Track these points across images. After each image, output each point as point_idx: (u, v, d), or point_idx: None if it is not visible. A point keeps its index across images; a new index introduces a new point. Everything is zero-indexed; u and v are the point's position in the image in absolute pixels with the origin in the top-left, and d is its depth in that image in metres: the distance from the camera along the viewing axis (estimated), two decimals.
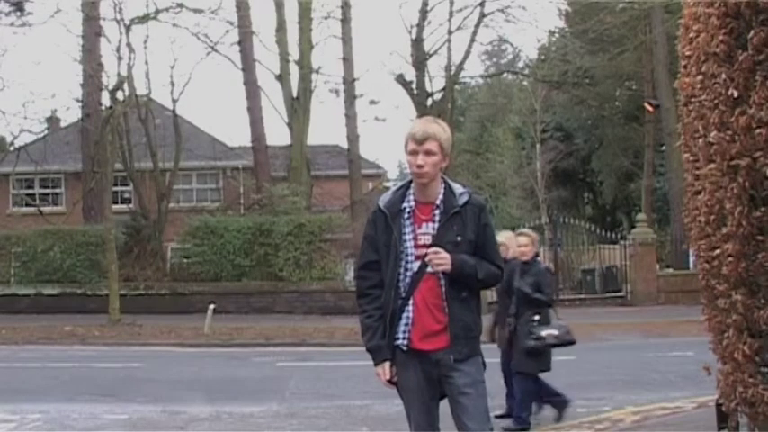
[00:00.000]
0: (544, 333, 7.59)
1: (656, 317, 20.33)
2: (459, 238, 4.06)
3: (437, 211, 4.14)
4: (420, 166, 4.05)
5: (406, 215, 4.16)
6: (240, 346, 16.26)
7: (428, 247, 4.08)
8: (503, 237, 8.55)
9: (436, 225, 4.11)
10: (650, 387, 10.27)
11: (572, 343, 7.94)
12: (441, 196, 4.15)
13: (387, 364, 4.16)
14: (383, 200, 4.25)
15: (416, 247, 4.11)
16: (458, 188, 4.18)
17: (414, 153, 4.08)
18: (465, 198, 4.13)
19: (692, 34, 4.81)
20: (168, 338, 17.60)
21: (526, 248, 7.89)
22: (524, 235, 8.10)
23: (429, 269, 4.08)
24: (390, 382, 4.19)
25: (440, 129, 4.14)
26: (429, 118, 4.55)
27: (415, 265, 4.11)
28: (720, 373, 4.91)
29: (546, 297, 7.86)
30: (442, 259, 4.01)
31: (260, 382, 11.40)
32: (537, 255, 8.21)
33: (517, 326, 7.69)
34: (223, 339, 16.99)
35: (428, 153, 4.06)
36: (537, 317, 7.66)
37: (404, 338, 4.12)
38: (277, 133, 76.47)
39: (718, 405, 5.12)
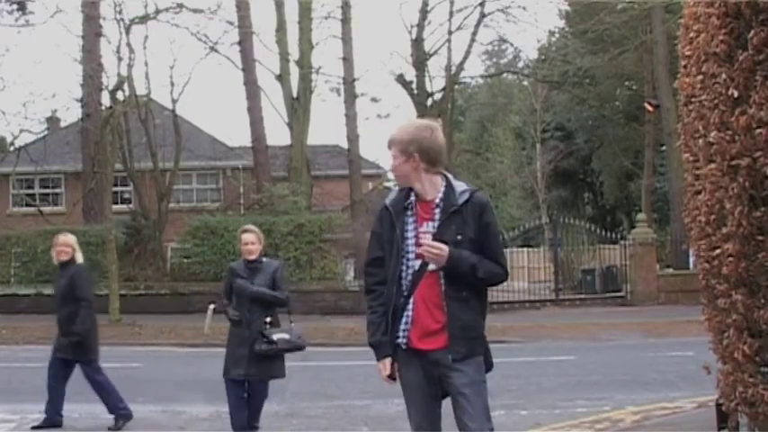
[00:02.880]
0: (276, 337, 7.10)
1: (656, 317, 20.32)
2: (459, 237, 4.06)
3: (437, 210, 4.15)
4: (392, 171, 4.25)
5: (409, 213, 4.19)
6: None
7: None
8: (69, 239, 8.40)
9: (436, 224, 4.13)
10: (650, 387, 10.27)
11: (302, 348, 7.43)
12: (440, 195, 4.16)
13: (387, 361, 4.18)
14: (389, 197, 4.31)
15: (418, 245, 4.12)
16: (459, 186, 4.18)
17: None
18: (465, 196, 4.13)
19: (692, 34, 4.80)
20: (168, 338, 17.59)
21: (253, 246, 7.26)
22: (250, 231, 7.34)
23: (430, 267, 4.09)
24: (391, 377, 4.20)
25: (399, 132, 4.22)
26: (403, 122, 4.63)
27: (417, 263, 4.12)
28: (720, 373, 4.91)
29: (284, 297, 7.34)
30: (437, 250, 4.00)
31: None
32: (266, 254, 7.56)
33: (249, 330, 7.14)
34: (223, 339, 16.80)
35: (393, 159, 4.19)
36: (269, 319, 7.16)
37: (403, 337, 4.14)
38: (277, 133, 76.61)
39: (718, 405, 5.11)
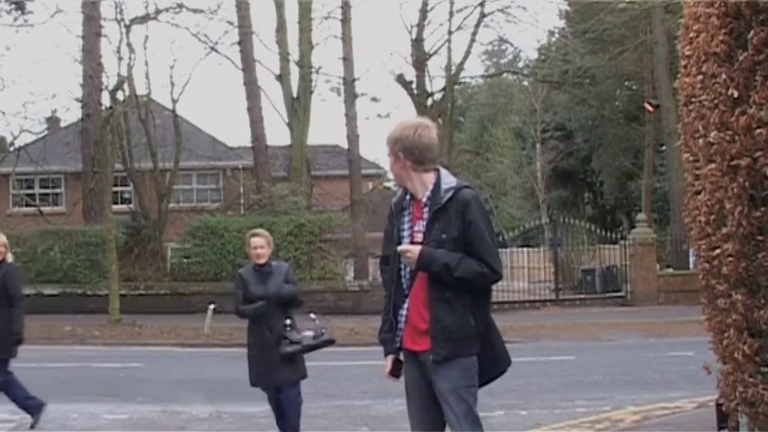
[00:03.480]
0: (298, 336, 6.96)
1: (656, 317, 20.33)
2: (443, 236, 4.04)
3: (426, 209, 4.15)
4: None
5: (406, 213, 4.22)
6: (240, 346, 16.13)
7: (422, 245, 4.10)
8: (2, 239, 8.14)
9: (424, 222, 4.14)
10: (650, 387, 10.27)
11: (331, 342, 7.27)
12: (428, 193, 4.15)
13: (389, 358, 4.20)
14: (395, 197, 4.35)
15: (413, 244, 4.13)
16: (447, 184, 4.13)
17: None
18: (449, 194, 4.09)
19: (692, 34, 4.80)
20: (168, 338, 17.59)
21: (263, 250, 7.09)
22: (259, 236, 7.19)
23: None
24: (393, 375, 4.22)
25: (390, 132, 4.24)
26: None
27: None
28: (720, 373, 4.90)
29: (299, 297, 7.21)
30: (409, 253, 4.04)
31: None
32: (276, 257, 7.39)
33: (272, 335, 6.96)
34: (223, 339, 16.98)
35: (388, 159, 4.25)
36: (289, 321, 6.99)
37: (398, 337, 4.17)
38: (277, 133, 76.55)
39: (719, 405, 5.11)
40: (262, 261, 7.11)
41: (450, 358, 4.00)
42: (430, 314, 4.04)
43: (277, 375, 6.96)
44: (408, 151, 4.13)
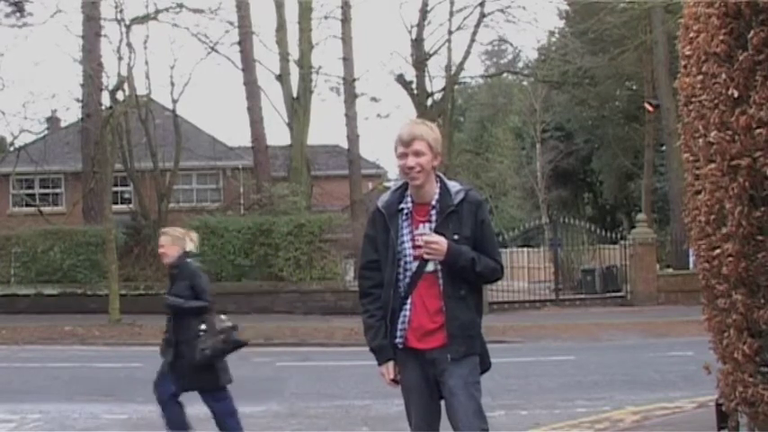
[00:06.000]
0: (211, 342, 6.62)
1: (656, 317, 20.33)
2: (456, 237, 4.08)
3: (433, 212, 4.16)
4: (411, 168, 4.08)
5: (403, 216, 4.19)
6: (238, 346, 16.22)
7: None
8: None
9: (433, 225, 4.13)
10: (650, 387, 10.27)
11: (243, 344, 6.94)
12: (436, 196, 4.17)
13: (390, 364, 4.19)
14: (382, 200, 4.29)
15: (414, 247, 4.13)
16: (454, 187, 4.20)
17: (403, 156, 4.11)
18: (461, 196, 4.15)
19: (692, 34, 4.80)
20: None
21: (162, 249, 6.73)
22: (163, 234, 6.81)
23: (428, 268, 4.10)
24: (394, 381, 4.22)
25: (426, 129, 4.18)
26: (416, 120, 4.63)
27: (414, 265, 4.14)
28: (720, 373, 4.91)
29: (205, 303, 6.75)
30: (436, 245, 4.02)
31: (260, 382, 11.37)
32: (187, 254, 6.79)
33: (180, 343, 6.63)
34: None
35: (417, 153, 4.08)
36: (204, 326, 6.62)
37: (400, 337, 4.16)
38: (277, 133, 76.57)
39: (718, 405, 5.11)
40: (165, 261, 6.76)
41: (467, 355, 4.08)
42: (446, 312, 4.07)
43: (194, 380, 6.64)
44: (440, 154, 4.19)
